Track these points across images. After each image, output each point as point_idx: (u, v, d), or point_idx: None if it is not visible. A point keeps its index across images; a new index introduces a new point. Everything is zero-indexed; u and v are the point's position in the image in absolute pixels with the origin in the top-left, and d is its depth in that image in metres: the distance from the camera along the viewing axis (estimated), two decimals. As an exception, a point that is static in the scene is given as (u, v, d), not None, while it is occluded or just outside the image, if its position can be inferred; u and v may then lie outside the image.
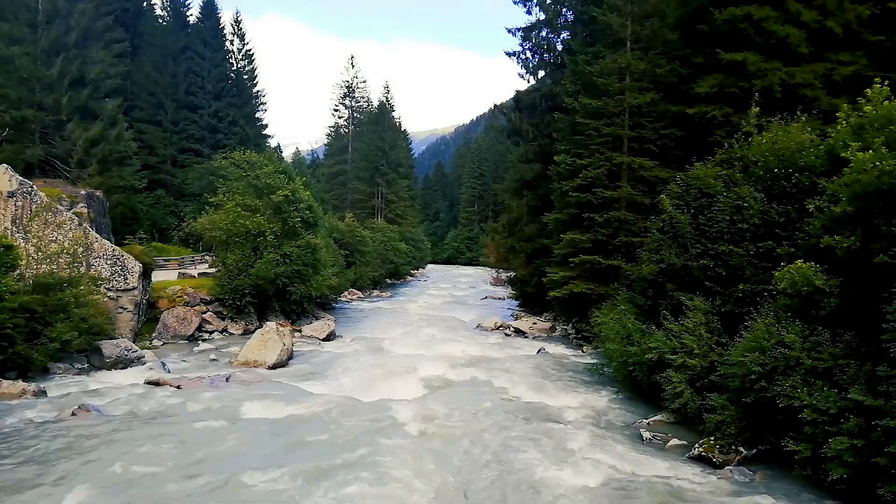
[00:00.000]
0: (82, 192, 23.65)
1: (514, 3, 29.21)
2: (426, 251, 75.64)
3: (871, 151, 9.13)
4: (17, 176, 18.29)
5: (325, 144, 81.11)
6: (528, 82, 31.13)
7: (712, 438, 10.44)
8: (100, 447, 9.97)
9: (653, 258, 14.47)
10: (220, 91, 47.19)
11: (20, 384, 12.96)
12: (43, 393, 13.04)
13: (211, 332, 21.95)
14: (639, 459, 10.26)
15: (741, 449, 10.14)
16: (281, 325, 19.58)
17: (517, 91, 31.78)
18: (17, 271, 15.36)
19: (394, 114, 73.74)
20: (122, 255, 19.34)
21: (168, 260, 31.25)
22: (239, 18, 50.93)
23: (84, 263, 18.21)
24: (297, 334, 22.13)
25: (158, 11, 49.49)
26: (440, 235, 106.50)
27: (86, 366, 15.89)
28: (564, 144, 22.51)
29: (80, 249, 18.04)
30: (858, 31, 17.22)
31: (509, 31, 29.81)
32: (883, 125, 9.64)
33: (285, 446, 10.45)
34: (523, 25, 29.49)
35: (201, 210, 27.95)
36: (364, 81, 72.05)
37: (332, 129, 72.65)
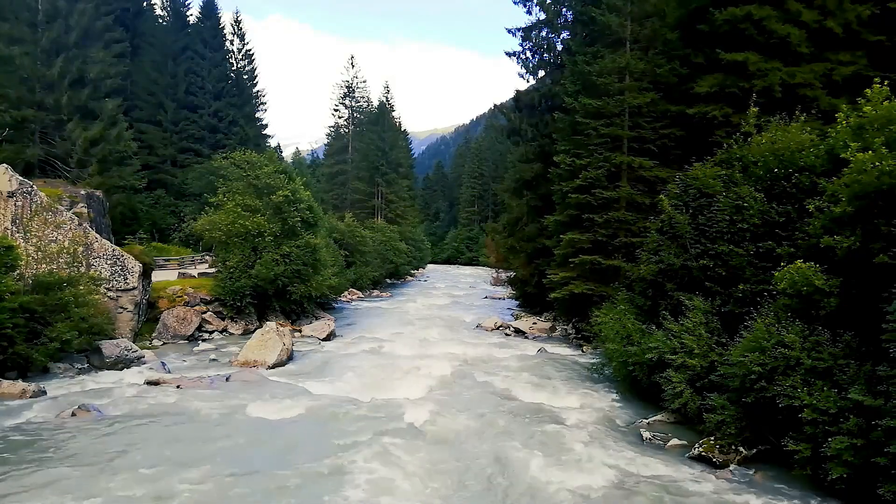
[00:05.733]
0: (82, 192, 23.63)
1: (515, 3, 29.25)
2: (426, 251, 75.63)
3: (871, 152, 9.15)
4: (17, 176, 18.27)
5: (325, 144, 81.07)
6: (528, 82, 31.18)
7: (712, 438, 10.45)
8: (99, 447, 9.98)
9: (652, 258, 14.48)
10: (220, 91, 47.17)
11: (20, 384, 12.97)
12: (43, 393, 13.06)
13: (211, 332, 21.97)
14: (639, 459, 10.27)
15: (741, 449, 10.15)
16: (281, 325, 19.59)
17: (517, 91, 31.75)
18: (17, 271, 15.35)
19: (394, 114, 73.69)
20: (122, 255, 19.34)
21: (168, 260, 31.21)
22: (239, 18, 50.98)
23: (84, 263, 18.22)
24: (297, 334, 22.14)
25: (158, 11, 49.53)
26: (440, 235, 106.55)
27: (86, 366, 15.89)
28: (564, 144, 22.49)
29: (80, 249, 18.06)
30: (858, 31, 17.23)
31: (509, 31, 29.85)
32: (883, 125, 9.65)
33: (285, 446, 10.48)
34: (523, 25, 29.55)
35: (201, 210, 27.94)
36: (364, 81, 72.16)
37: (332, 129, 72.63)
